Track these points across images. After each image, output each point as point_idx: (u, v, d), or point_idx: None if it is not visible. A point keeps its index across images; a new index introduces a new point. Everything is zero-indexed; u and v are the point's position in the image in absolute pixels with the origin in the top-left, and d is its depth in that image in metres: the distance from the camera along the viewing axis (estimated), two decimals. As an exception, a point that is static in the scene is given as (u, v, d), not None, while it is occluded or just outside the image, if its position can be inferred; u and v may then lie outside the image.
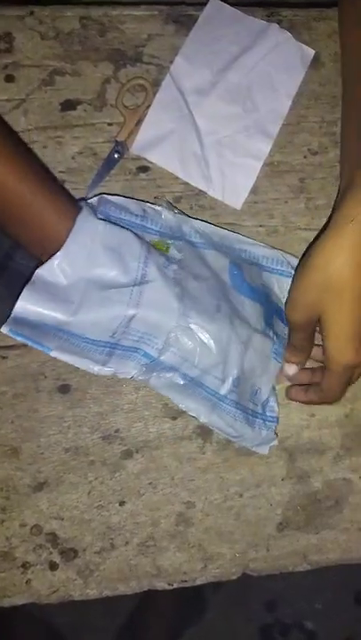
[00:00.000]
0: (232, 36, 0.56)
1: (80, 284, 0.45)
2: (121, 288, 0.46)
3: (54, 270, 0.45)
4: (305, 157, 0.56)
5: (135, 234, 0.48)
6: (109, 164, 0.54)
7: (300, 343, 0.50)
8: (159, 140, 0.54)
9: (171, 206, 0.52)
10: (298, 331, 0.49)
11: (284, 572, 0.54)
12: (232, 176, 0.55)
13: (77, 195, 0.53)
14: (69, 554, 0.52)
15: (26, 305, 0.44)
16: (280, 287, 0.53)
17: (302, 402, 0.52)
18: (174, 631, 0.97)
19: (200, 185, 0.55)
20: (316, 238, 0.47)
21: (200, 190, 0.55)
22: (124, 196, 0.52)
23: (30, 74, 0.54)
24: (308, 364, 0.52)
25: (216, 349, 0.47)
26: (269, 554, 0.53)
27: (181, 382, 0.48)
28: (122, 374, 0.47)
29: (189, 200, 0.55)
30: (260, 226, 0.55)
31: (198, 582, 0.53)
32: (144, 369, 0.47)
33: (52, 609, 0.97)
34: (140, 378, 0.48)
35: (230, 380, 0.48)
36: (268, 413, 0.51)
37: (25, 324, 0.45)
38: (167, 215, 0.52)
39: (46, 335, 0.45)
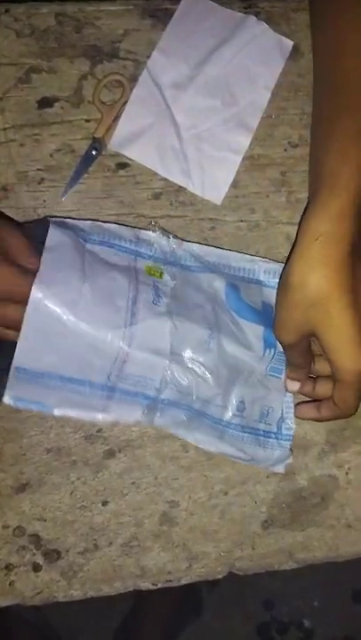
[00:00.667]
0: (209, 29, 0.55)
1: (70, 324, 0.45)
2: (112, 330, 0.45)
3: (45, 310, 0.44)
4: (285, 150, 0.55)
5: (122, 271, 0.47)
6: (87, 160, 0.53)
7: (297, 360, 0.48)
8: (137, 136, 0.54)
9: (164, 231, 0.52)
10: (291, 349, 0.47)
11: (280, 570, 0.54)
12: (212, 170, 0.54)
13: (57, 192, 0.53)
14: (52, 555, 0.51)
15: (24, 355, 0.44)
16: None
17: (315, 419, 0.49)
18: (171, 631, 0.96)
19: (180, 180, 0.54)
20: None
21: (180, 186, 0.54)
22: (102, 197, 0.52)
23: (6, 72, 0.54)
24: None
25: (213, 380, 0.48)
26: (255, 552, 0.52)
27: (185, 417, 0.48)
28: (125, 420, 0.48)
29: (169, 196, 0.54)
30: (242, 221, 0.54)
31: (183, 582, 0.52)
32: (146, 411, 0.47)
33: (47, 610, 0.97)
34: (144, 421, 0.48)
35: (232, 406, 0.49)
36: (284, 432, 0.51)
37: (24, 379, 0.44)
38: (160, 240, 0.51)
39: (46, 389, 0.45)
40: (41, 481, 0.51)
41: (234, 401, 0.49)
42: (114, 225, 0.51)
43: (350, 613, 0.97)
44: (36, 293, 0.43)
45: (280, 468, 0.51)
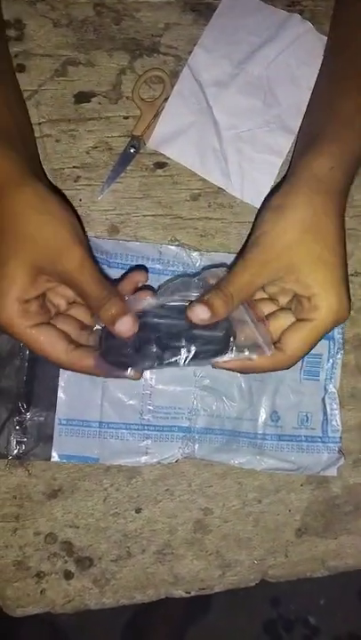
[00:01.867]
0: (252, 26, 0.53)
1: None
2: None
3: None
4: (326, 154, 0.54)
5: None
6: (125, 159, 0.52)
7: (238, 294, 0.41)
8: (177, 135, 0.52)
9: (185, 246, 0.51)
10: (250, 289, 0.41)
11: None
12: (252, 173, 0.53)
13: (93, 190, 0.51)
14: (85, 562, 0.50)
15: (65, 406, 0.49)
16: None
17: (241, 369, 0.43)
18: (178, 629, 0.96)
19: (219, 182, 0.53)
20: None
21: (219, 188, 0.53)
22: (140, 196, 0.50)
23: (42, 64, 0.51)
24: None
25: (238, 396, 0.49)
26: (288, 560, 0.52)
27: (222, 440, 0.49)
28: (168, 459, 0.49)
29: (208, 198, 0.53)
30: (280, 225, 0.53)
31: (216, 590, 0.52)
32: (184, 444, 0.49)
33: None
34: (184, 455, 0.49)
35: (264, 417, 0.49)
36: (330, 434, 0.51)
37: (67, 432, 0.48)
38: (182, 254, 0.51)
39: (87, 439, 0.49)
40: (73, 487, 0.50)
41: (265, 412, 0.50)
42: (136, 243, 0.51)
43: (356, 611, 0.98)
44: None
45: (332, 472, 0.50)
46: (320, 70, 0.52)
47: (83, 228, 0.44)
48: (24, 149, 0.44)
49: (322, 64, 0.52)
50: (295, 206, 0.41)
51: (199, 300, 0.40)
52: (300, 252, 0.41)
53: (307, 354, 0.42)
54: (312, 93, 0.52)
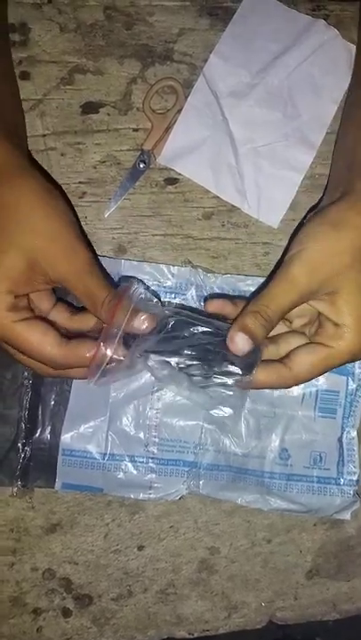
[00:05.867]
0: (273, 32, 0.50)
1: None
2: (141, 397, 0.47)
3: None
4: (350, 171, 0.50)
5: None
6: (134, 174, 0.49)
7: (278, 316, 0.38)
8: (190, 150, 0.49)
9: (197, 267, 0.49)
10: (284, 310, 0.38)
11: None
12: (269, 190, 0.49)
13: (100, 207, 0.48)
14: (84, 600, 0.48)
15: (69, 436, 0.47)
16: None
17: (247, 386, 0.40)
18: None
19: (233, 200, 0.49)
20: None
21: (233, 206, 0.49)
22: (148, 214, 0.47)
23: (48, 71, 0.48)
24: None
25: (245, 431, 0.46)
26: (297, 602, 0.50)
27: (228, 477, 0.47)
28: (173, 495, 0.47)
29: (221, 217, 0.49)
30: (298, 246, 0.50)
31: (221, 631, 0.49)
32: (189, 480, 0.47)
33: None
34: (191, 491, 0.47)
35: (272, 454, 0.47)
36: (346, 476, 0.48)
37: (70, 462, 0.47)
38: (195, 276, 0.48)
39: (91, 470, 0.47)
40: (73, 521, 0.48)
41: (274, 450, 0.47)
42: (148, 264, 0.48)
43: (365, 634, 0.95)
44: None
45: (346, 515, 0.47)
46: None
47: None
48: (22, 145, 0.42)
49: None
50: (356, 228, 0.38)
51: (239, 327, 0.36)
52: (349, 278, 0.37)
53: (310, 379, 0.39)
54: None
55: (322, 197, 0.47)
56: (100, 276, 0.38)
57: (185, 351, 0.38)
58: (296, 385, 0.39)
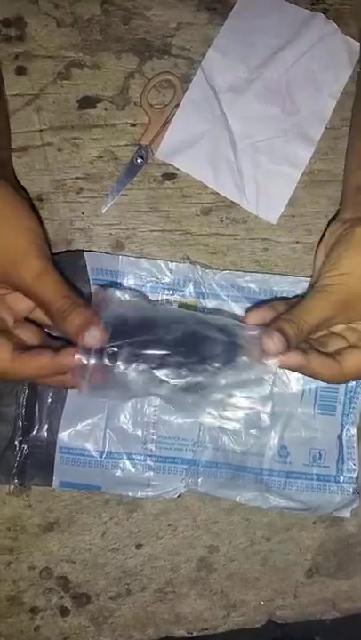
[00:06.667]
0: (272, 26, 0.49)
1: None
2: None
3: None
4: (349, 166, 0.50)
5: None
6: (132, 170, 0.48)
7: (310, 331, 0.39)
8: (188, 145, 0.49)
9: (196, 263, 0.48)
10: (322, 325, 0.39)
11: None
12: (268, 186, 0.49)
13: (97, 203, 0.48)
14: (82, 599, 0.48)
15: (66, 434, 0.46)
16: None
17: (297, 368, 0.39)
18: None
19: (232, 195, 0.49)
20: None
21: (232, 202, 0.49)
22: (146, 209, 0.47)
23: (44, 66, 0.48)
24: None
25: (243, 429, 0.46)
26: (297, 601, 0.49)
27: (227, 474, 0.46)
28: (171, 493, 0.47)
29: (220, 212, 0.49)
30: (297, 242, 0.50)
31: (220, 630, 0.49)
32: (187, 478, 0.46)
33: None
34: (189, 489, 0.46)
35: (271, 452, 0.46)
36: (345, 474, 0.47)
37: (67, 460, 0.46)
38: (194, 272, 0.48)
39: (89, 468, 0.46)
40: (70, 520, 0.47)
41: (273, 447, 0.47)
42: (145, 260, 0.47)
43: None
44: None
45: (345, 513, 0.47)
46: None
47: (47, 239, 0.41)
48: None
49: None
50: None
51: (276, 329, 0.36)
52: None
53: (354, 379, 0.41)
54: None
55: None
56: (56, 284, 0.37)
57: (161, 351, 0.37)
58: (342, 382, 0.41)
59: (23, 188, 0.47)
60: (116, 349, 0.36)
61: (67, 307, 0.36)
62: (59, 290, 0.37)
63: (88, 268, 0.46)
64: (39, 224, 0.39)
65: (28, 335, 0.40)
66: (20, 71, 0.48)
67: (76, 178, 0.48)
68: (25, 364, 0.37)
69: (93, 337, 0.35)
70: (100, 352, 0.36)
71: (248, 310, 0.43)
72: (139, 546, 0.48)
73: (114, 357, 0.36)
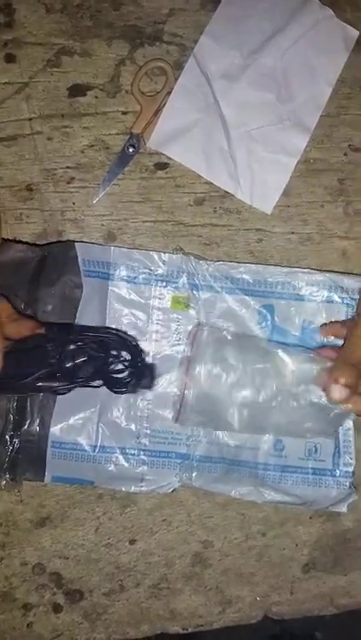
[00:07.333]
0: (266, 11, 0.48)
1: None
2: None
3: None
4: (345, 154, 0.49)
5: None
6: (123, 159, 0.47)
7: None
8: (180, 133, 0.48)
9: (189, 254, 0.47)
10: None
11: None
12: (262, 175, 0.48)
13: (88, 193, 0.47)
14: (75, 595, 0.47)
15: (58, 428, 0.46)
16: (330, 317, 0.47)
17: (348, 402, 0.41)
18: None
19: (226, 185, 0.48)
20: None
21: (226, 192, 0.48)
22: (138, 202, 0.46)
23: (33, 53, 0.47)
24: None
25: (238, 422, 0.44)
26: (293, 597, 0.48)
27: (221, 469, 0.46)
28: (165, 488, 0.46)
29: (213, 202, 0.48)
30: (292, 233, 0.49)
31: (215, 626, 0.48)
32: (181, 473, 0.46)
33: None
34: (183, 484, 0.46)
35: (266, 445, 0.46)
36: (341, 467, 0.46)
37: (59, 454, 0.45)
38: (187, 263, 0.47)
39: (81, 462, 0.46)
40: (63, 515, 0.47)
41: (267, 441, 0.46)
42: (138, 251, 0.47)
43: (364, 628, 0.95)
44: None
45: (342, 508, 0.46)
46: None
47: None
48: None
49: None
50: None
51: (333, 380, 0.39)
52: None
53: None
54: None
55: None
56: None
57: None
58: None
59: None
60: None
61: None
62: None
63: (79, 260, 0.45)
64: None
65: None
66: (9, 59, 0.47)
67: (67, 167, 0.47)
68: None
69: None
70: None
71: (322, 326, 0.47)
72: (132, 541, 0.47)
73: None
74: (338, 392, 0.39)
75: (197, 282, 0.47)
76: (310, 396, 0.44)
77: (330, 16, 0.48)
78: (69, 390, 0.43)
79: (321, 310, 0.46)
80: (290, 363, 0.43)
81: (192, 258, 0.47)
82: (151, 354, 0.46)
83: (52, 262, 0.45)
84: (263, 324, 0.47)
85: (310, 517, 0.48)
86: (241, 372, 0.43)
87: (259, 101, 0.48)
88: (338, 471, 0.46)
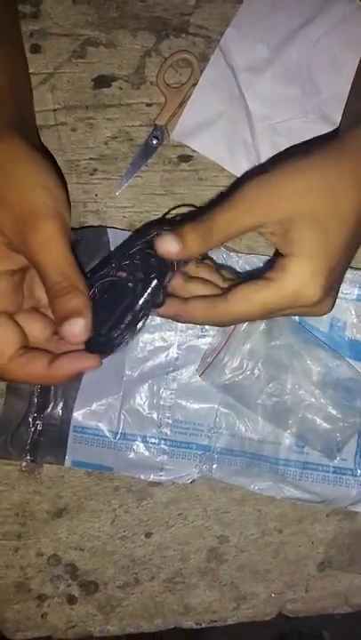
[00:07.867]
0: (293, 4, 0.48)
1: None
2: (156, 377, 0.46)
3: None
4: (370, 150, 0.48)
5: None
6: (146, 151, 0.47)
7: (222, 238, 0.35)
8: (204, 126, 0.47)
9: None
10: (237, 227, 0.34)
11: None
12: (286, 170, 0.48)
13: (111, 185, 0.47)
14: (89, 587, 0.47)
15: (81, 413, 0.46)
16: (359, 315, 0.46)
17: (176, 317, 0.37)
18: (190, 636, 0.93)
19: (249, 179, 0.48)
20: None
21: (249, 185, 0.48)
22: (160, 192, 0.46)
23: (59, 44, 0.47)
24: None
25: (261, 417, 0.45)
26: (308, 595, 0.48)
27: (242, 462, 0.46)
28: (184, 478, 0.46)
29: (236, 196, 0.48)
30: (315, 228, 0.48)
31: (229, 622, 0.48)
32: (202, 464, 0.46)
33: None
34: (201, 475, 0.46)
35: (287, 442, 0.46)
36: None
37: (81, 439, 0.46)
38: (215, 254, 0.46)
39: (102, 448, 0.46)
40: (80, 507, 0.47)
41: (289, 436, 0.46)
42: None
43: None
44: None
45: (360, 508, 0.46)
46: None
47: (68, 207, 0.35)
48: (11, 108, 0.38)
49: None
50: (325, 156, 0.34)
51: (171, 231, 0.33)
52: (307, 204, 0.33)
53: (247, 319, 0.35)
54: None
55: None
56: (59, 255, 0.32)
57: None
58: (231, 322, 0.36)
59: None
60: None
61: (62, 286, 0.31)
62: (60, 263, 0.32)
63: (110, 245, 0.45)
64: (61, 188, 0.34)
65: (36, 327, 0.36)
66: (35, 49, 0.47)
67: (90, 159, 0.47)
68: (18, 368, 0.33)
69: (72, 333, 0.31)
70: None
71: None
72: (148, 534, 0.47)
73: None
74: (167, 243, 0.32)
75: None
76: (329, 403, 0.44)
77: (357, 10, 0.48)
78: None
79: (350, 308, 0.46)
80: (320, 364, 0.44)
81: (223, 249, 0.46)
82: (176, 344, 0.46)
83: (85, 246, 0.45)
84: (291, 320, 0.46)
85: (327, 515, 0.48)
86: (278, 365, 0.42)
87: (284, 95, 0.48)
88: (359, 471, 0.46)
